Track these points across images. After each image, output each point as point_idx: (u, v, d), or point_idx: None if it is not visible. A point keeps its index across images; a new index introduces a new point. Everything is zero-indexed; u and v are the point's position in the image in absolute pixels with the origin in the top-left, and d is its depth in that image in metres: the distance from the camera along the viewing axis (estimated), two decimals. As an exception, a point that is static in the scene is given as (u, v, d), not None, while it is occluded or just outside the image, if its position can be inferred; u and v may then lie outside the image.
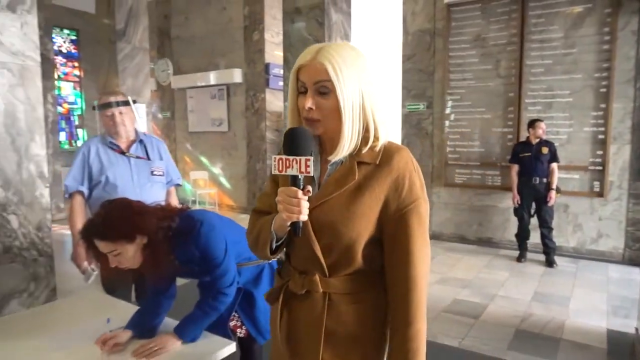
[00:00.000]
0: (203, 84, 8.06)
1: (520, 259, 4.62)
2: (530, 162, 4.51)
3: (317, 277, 1.08)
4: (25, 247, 1.88)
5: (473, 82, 5.28)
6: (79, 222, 2.25)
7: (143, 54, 5.33)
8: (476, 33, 5.22)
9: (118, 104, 2.31)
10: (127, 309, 1.92)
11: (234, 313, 1.87)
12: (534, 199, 4.53)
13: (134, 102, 2.43)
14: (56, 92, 8.45)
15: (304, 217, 0.98)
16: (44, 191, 1.93)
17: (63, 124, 9.69)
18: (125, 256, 1.48)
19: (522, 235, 4.61)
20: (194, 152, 8.60)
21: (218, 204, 8.14)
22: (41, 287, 1.96)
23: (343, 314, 1.09)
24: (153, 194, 2.35)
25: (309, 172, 0.94)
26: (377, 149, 1.05)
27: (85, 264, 2.22)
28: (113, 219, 1.45)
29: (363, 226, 1.03)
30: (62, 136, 9.48)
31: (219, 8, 7.86)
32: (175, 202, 2.53)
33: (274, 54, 7.19)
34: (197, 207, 7.87)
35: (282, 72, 5.95)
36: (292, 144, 0.97)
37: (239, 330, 1.89)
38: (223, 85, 7.85)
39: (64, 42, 9.68)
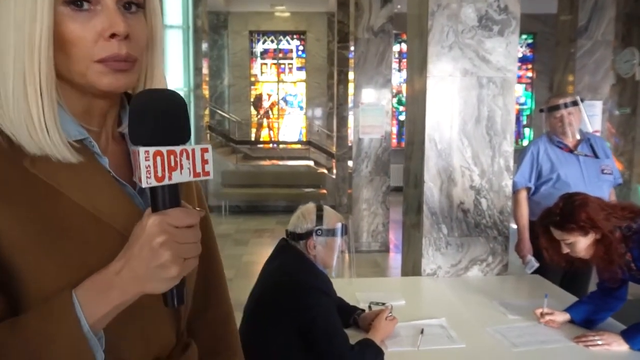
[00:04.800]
0: (680, 71, 6.66)
1: None
2: None
3: None
4: (489, 226, 2.33)
5: None
6: (525, 216, 2.54)
7: (605, 48, 5.04)
8: None
9: (567, 105, 2.42)
10: (561, 294, 2.09)
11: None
12: None
13: (582, 100, 2.47)
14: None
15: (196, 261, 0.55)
16: (508, 182, 2.31)
17: (513, 123, 10.48)
18: (577, 247, 1.61)
19: None
20: (657, 154, 7.29)
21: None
22: (496, 261, 2.38)
23: None
24: (602, 192, 2.34)
25: (208, 174, 0.56)
26: None
27: (529, 255, 2.48)
28: (570, 212, 1.61)
29: None
30: (511, 134, 10.25)
31: None
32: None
33: None
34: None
35: None
36: (164, 120, 0.53)
37: None
38: None
39: (521, 46, 10.34)
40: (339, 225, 1.59)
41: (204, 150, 0.55)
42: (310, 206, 1.63)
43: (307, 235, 1.56)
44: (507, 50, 2.23)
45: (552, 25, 5.66)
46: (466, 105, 2.27)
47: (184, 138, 0.54)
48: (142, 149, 0.51)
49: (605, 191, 2.38)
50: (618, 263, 1.56)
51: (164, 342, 0.64)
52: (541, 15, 8.89)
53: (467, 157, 2.29)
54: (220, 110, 10.21)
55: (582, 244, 1.59)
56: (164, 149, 0.52)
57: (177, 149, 0.53)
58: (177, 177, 0.53)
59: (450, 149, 2.29)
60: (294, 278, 1.51)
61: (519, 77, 10.25)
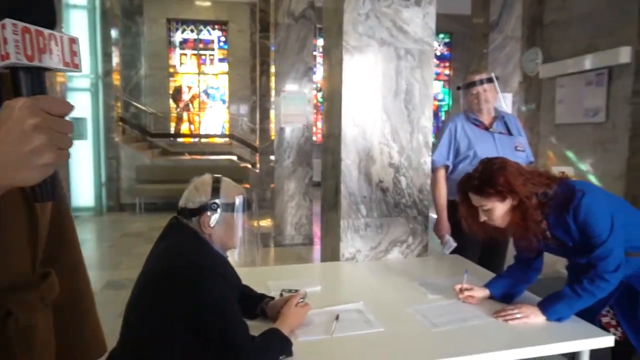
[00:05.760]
0: (575, 70, 7.24)
1: None
2: None
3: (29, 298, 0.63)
4: (408, 205, 2.24)
5: None
6: (443, 195, 2.48)
7: (514, 43, 5.33)
8: None
9: (482, 82, 2.41)
10: (481, 272, 2.05)
11: (608, 308, 1.63)
12: None
13: (497, 78, 2.47)
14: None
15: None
16: (427, 159, 2.23)
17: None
18: (495, 213, 1.54)
19: None
20: (559, 146, 7.87)
21: (583, 205, 7.19)
22: (417, 242, 2.29)
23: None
24: None
25: (77, 67, 0.53)
26: None
27: (447, 235, 2.43)
28: (489, 176, 1.54)
29: None
30: (431, 129, 10.67)
31: (607, -20, 6.83)
32: None
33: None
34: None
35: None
36: None
37: (612, 330, 1.64)
38: (603, 68, 6.80)
39: (439, 45, 10.74)
40: (239, 198, 1.36)
41: (72, 41, 0.53)
42: (206, 177, 1.39)
43: (201, 210, 1.32)
44: (425, 22, 2.15)
45: (468, 25, 5.89)
46: (384, 78, 2.15)
47: (52, 21, 0.52)
48: (9, 21, 0.48)
49: None
50: (534, 231, 1.51)
51: (20, 268, 0.62)
52: (458, 16, 9.28)
53: (386, 133, 2.18)
54: (136, 102, 9.49)
55: (499, 210, 1.53)
56: (32, 27, 0.49)
57: (46, 31, 0.50)
58: (47, 61, 0.51)
59: (368, 124, 2.16)
60: (184, 260, 1.26)
61: (437, 74, 10.64)
